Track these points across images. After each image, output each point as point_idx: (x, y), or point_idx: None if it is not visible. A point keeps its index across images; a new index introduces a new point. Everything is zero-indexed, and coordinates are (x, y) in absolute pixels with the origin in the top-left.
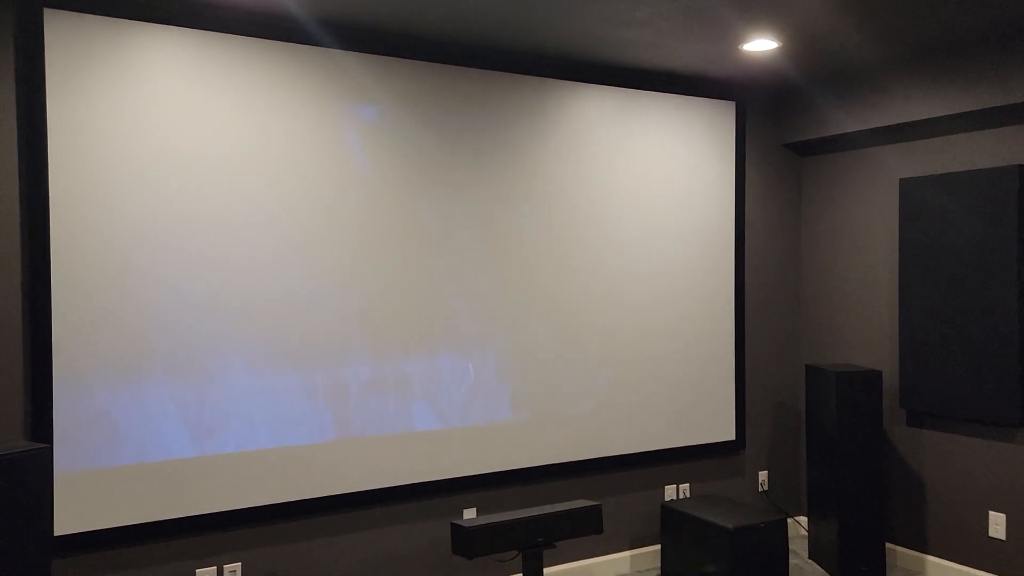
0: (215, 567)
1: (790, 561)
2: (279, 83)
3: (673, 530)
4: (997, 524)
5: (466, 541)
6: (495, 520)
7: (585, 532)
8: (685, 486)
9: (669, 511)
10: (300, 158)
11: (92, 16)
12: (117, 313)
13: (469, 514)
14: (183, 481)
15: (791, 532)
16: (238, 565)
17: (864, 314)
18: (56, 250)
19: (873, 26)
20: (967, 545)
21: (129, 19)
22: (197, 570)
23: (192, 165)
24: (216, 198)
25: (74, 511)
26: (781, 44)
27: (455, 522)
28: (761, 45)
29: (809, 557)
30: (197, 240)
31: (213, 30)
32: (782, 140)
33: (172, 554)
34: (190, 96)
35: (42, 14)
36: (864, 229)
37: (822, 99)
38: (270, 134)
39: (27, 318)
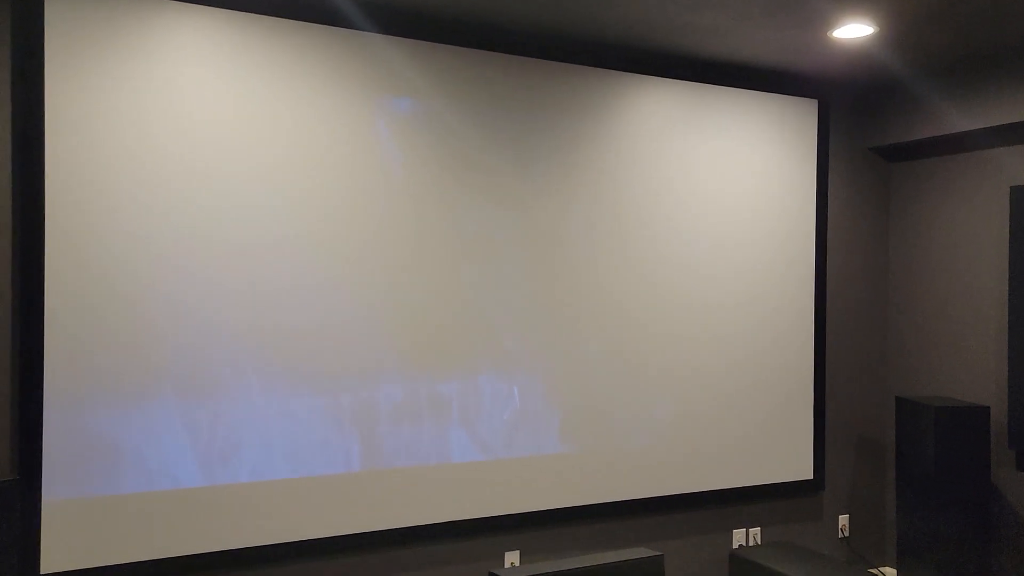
0: None
1: None
2: (303, 69)
3: None
4: None
5: None
6: (539, 572)
7: None
8: (756, 531)
9: (739, 561)
10: (325, 154)
11: None
12: (119, 325)
13: (511, 558)
14: (190, 513)
15: None
16: None
17: (965, 341)
18: (51, 254)
19: (987, 8)
20: None
21: None
22: None
23: (205, 162)
24: (232, 199)
25: (64, 545)
26: (877, 29)
27: (494, 572)
28: (854, 31)
29: None
30: (209, 246)
31: (229, 8)
32: (869, 143)
33: None
34: (204, 83)
35: None
36: (966, 243)
37: (921, 95)
38: (293, 126)
39: (17, 328)
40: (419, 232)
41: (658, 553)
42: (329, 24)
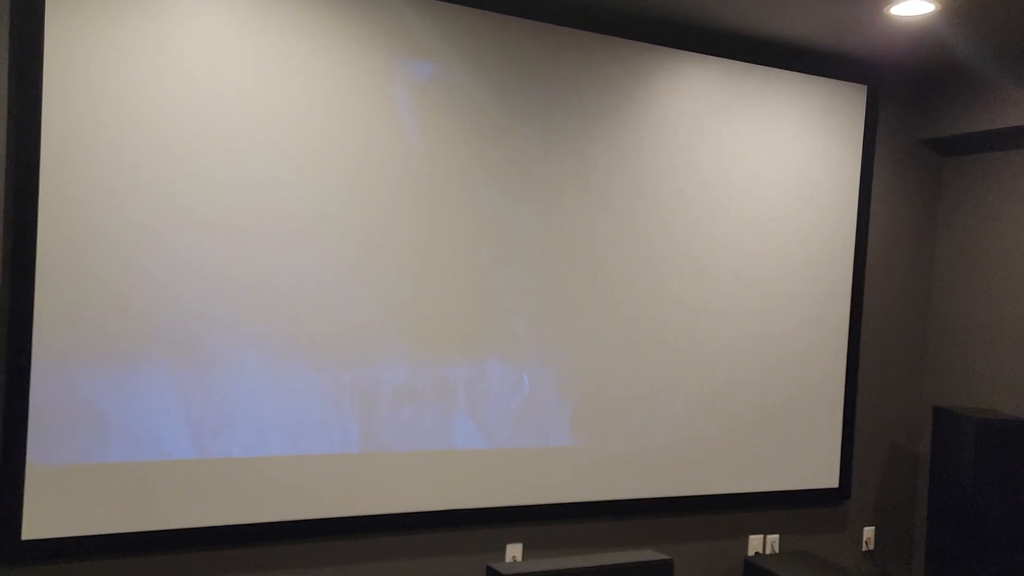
0: None
1: None
2: (315, 29)
3: None
4: None
5: None
6: (539, 569)
7: None
8: (774, 538)
9: (754, 570)
10: (335, 117)
11: None
12: (113, 285)
13: (513, 551)
14: (180, 487)
15: None
16: None
17: (1013, 351)
18: (44, 210)
19: None
20: None
21: None
22: None
23: (209, 119)
24: (236, 159)
25: (48, 513)
26: (940, 6)
27: (492, 566)
28: (913, 8)
29: None
30: (211, 208)
31: None
32: (920, 135)
33: (164, 571)
34: (209, 44)
35: None
36: (1021, 245)
37: (983, 83)
38: (302, 86)
39: (5, 286)
40: (433, 207)
41: (667, 557)
42: None
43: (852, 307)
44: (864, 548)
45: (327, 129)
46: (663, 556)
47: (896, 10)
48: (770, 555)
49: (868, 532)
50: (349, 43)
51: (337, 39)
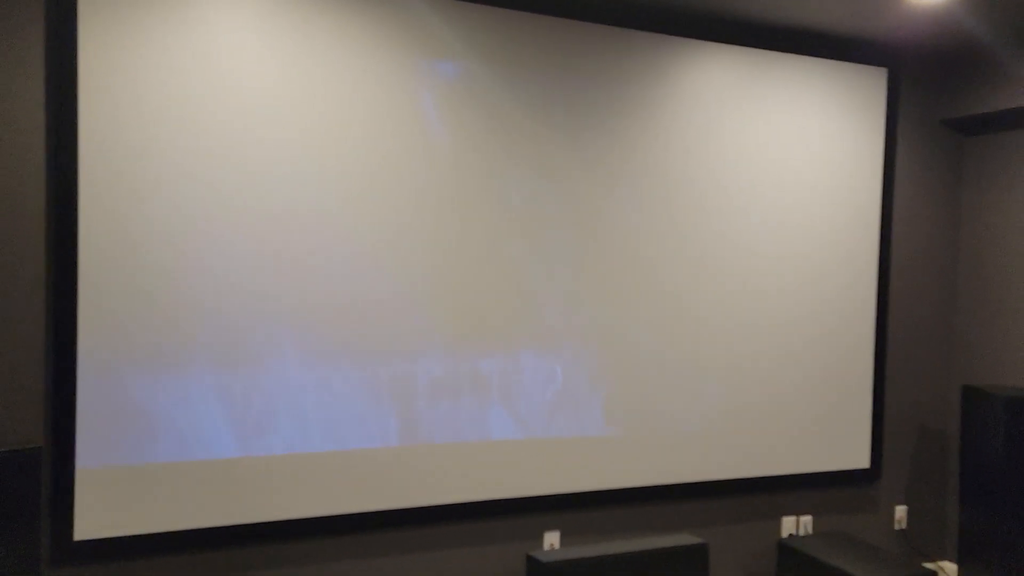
0: None
1: None
2: (344, 32)
3: (792, 574)
4: None
5: None
6: (578, 555)
7: (685, 574)
8: (807, 519)
9: (788, 551)
10: (365, 119)
11: None
12: (154, 291)
13: (551, 538)
14: (224, 484)
15: None
16: None
17: None
18: (85, 219)
19: None
20: None
21: None
22: None
23: (244, 130)
24: (270, 167)
25: (99, 513)
26: None
27: (532, 554)
28: None
29: None
30: (247, 214)
31: None
32: (942, 115)
33: (210, 567)
34: (244, 50)
35: None
36: None
37: (1004, 61)
38: (333, 92)
39: (50, 292)
40: (463, 202)
41: (702, 541)
42: None
43: (879, 288)
44: (897, 527)
45: (359, 131)
46: (698, 540)
47: None
48: (803, 536)
49: (900, 511)
50: (375, 46)
51: (364, 43)
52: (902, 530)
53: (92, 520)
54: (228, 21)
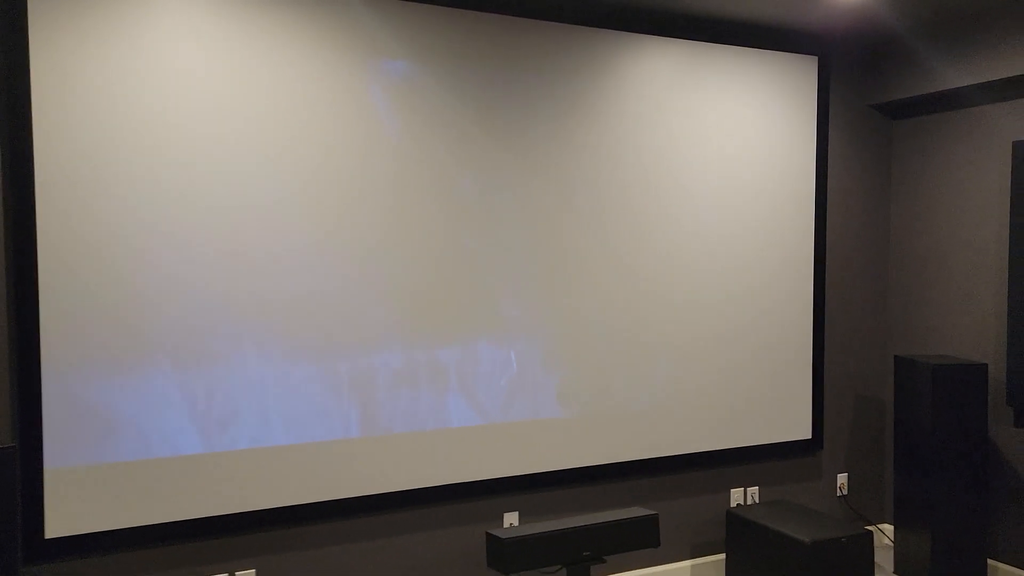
0: (227, 574)
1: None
2: (294, 35)
3: (740, 541)
4: None
5: (502, 554)
6: (536, 531)
7: (639, 545)
8: (754, 490)
9: (735, 519)
10: (318, 119)
11: None
12: (111, 295)
13: (510, 519)
14: (191, 480)
15: (874, 542)
16: (251, 572)
17: (965, 299)
18: (43, 226)
19: None
20: None
21: None
22: None
23: (197, 130)
24: (224, 167)
25: (68, 511)
26: None
27: (491, 531)
28: None
29: (895, 571)
30: (202, 216)
31: None
32: (870, 100)
33: (180, 560)
34: (195, 53)
35: None
36: (967, 201)
37: (920, 51)
38: (286, 91)
39: (12, 299)
40: (416, 198)
41: (653, 512)
42: None
43: (815, 266)
44: (839, 494)
45: (312, 130)
46: (649, 511)
47: None
48: (750, 505)
49: (841, 478)
50: (328, 48)
51: (318, 45)
52: (843, 496)
53: (62, 518)
54: (179, 25)
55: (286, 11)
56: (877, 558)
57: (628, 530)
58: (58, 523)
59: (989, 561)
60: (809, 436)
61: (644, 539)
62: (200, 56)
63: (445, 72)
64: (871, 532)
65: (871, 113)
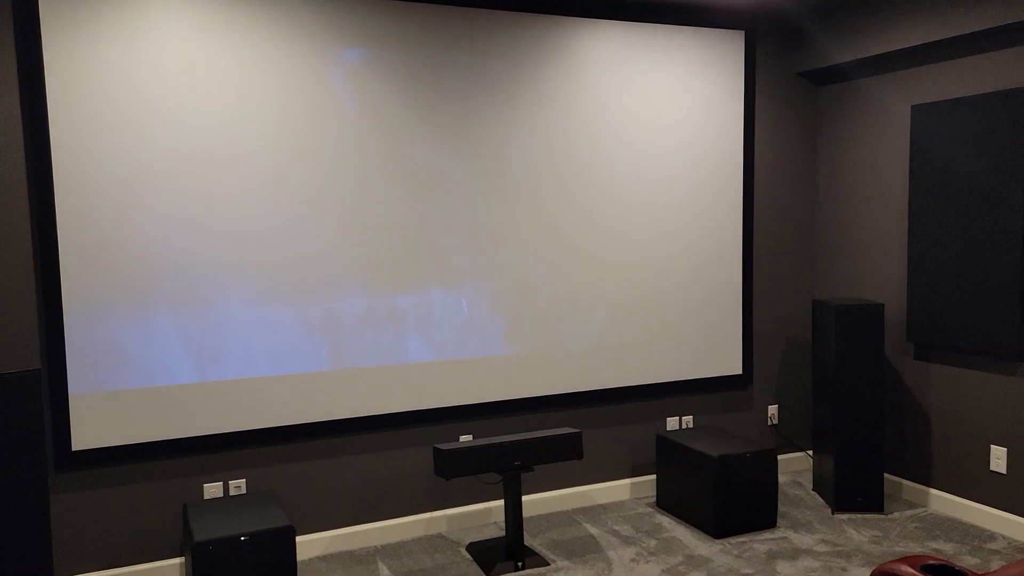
0: (221, 482)
1: (792, 492)
2: (265, 28)
3: (666, 460)
4: (998, 458)
5: (444, 463)
6: (472, 444)
7: (564, 457)
8: (688, 419)
9: (664, 441)
10: (288, 101)
11: None
12: (122, 245)
13: (465, 440)
14: (189, 404)
15: (801, 465)
16: (243, 481)
17: (876, 247)
18: (60, 186)
19: None
20: (969, 478)
21: None
22: (204, 484)
23: (187, 107)
24: (211, 138)
25: (90, 428)
26: None
27: (436, 446)
28: None
29: (813, 489)
30: (195, 177)
31: None
32: (796, 69)
33: (182, 470)
34: (183, 42)
35: None
36: (878, 159)
37: (828, 26)
38: (257, 78)
39: (37, 252)
40: (374, 168)
41: (576, 430)
42: None
43: (744, 221)
44: (770, 423)
45: (282, 109)
46: (573, 430)
47: None
48: (679, 430)
49: (772, 410)
50: (297, 40)
51: (283, 37)
52: (774, 425)
53: (85, 434)
54: (171, 28)
55: (259, 11)
56: (801, 479)
57: (554, 445)
58: (82, 438)
59: (892, 477)
60: (740, 372)
61: (569, 452)
62: (188, 54)
63: (398, 57)
64: (773, 449)
65: (799, 81)
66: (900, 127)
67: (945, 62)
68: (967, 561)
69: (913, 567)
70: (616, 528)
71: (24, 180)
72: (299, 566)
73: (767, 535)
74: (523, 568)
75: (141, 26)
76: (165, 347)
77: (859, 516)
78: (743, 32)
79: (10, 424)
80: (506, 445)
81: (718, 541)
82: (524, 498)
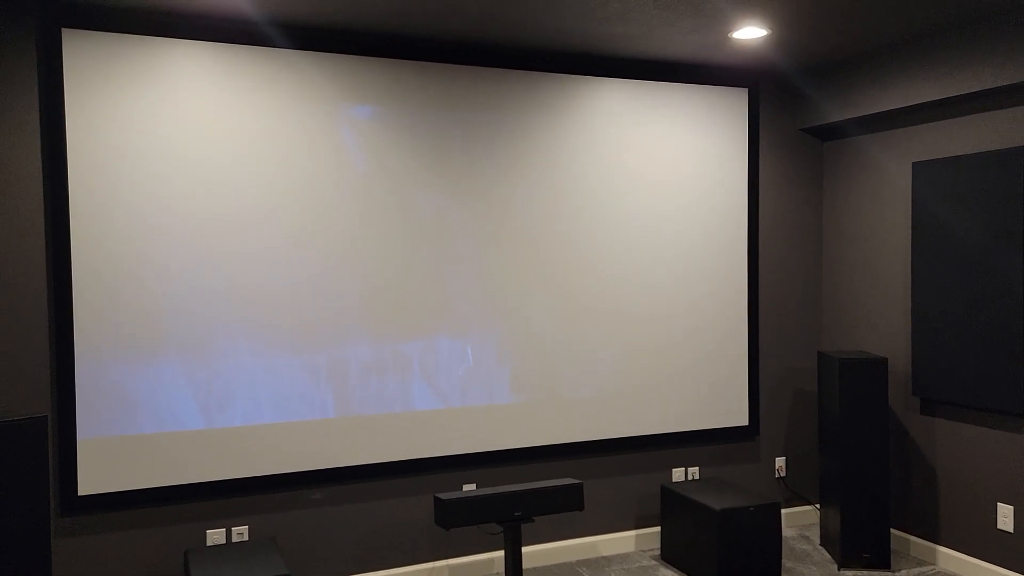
0: (224, 529)
1: (799, 547)
2: (278, 87)
3: (671, 512)
4: (1005, 516)
5: (443, 513)
6: (472, 494)
7: (565, 508)
8: (694, 469)
9: (668, 492)
10: (300, 156)
11: (105, 34)
12: (134, 301)
13: (468, 489)
14: (195, 450)
15: (810, 519)
16: (245, 528)
17: (880, 301)
18: (76, 245)
19: (869, 9)
20: (976, 536)
21: (139, 34)
22: (207, 531)
23: (200, 167)
24: (223, 197)
25: (97, 473)
26: (771, 31)
27: (437, 495)
28: (750, 33)
29: (820, 544)
30: (206, 235)
31: (217, 40)
32: (800, 124)
33: (186, 516)
34: (197, 103)
35: (60, 34)
36: (881, 214)
37: (827, 85)
38: (271, 134)
39: (52, 305)
40: (380, 218)
41: (578, 481)
42: (294, 48)
43: (749, 273)
44: (777, 475)
45: (295, 164)
46: (575, 481)
47: (738, 35)
48: (684, 481)
49: (780, 461)
50: (307, 97)
51: (299, 94)
52: (781, 477)
53: (92, 479)
54: (188, 80)
55: (271, 68)
56: (809, 532)
57: (554, 495)
58: (88, 483)
59: (899, 532)
60: (746, 423)
61: (569, 503)
62: (204, 104)
63: (405, 113)
64: (778, 502)
65: (803, 136)
66: (902, 183)
67: (946, 120)
68: None
69: None
70: None
71: (42, 231)
72: None
73: None
74: None
75: (156, 94)
76: (173, 394)
77: (866, 573)
78: (746, 90)
79: (16, 469)
80: (506, 495)
81: None
82: (527, 548)
